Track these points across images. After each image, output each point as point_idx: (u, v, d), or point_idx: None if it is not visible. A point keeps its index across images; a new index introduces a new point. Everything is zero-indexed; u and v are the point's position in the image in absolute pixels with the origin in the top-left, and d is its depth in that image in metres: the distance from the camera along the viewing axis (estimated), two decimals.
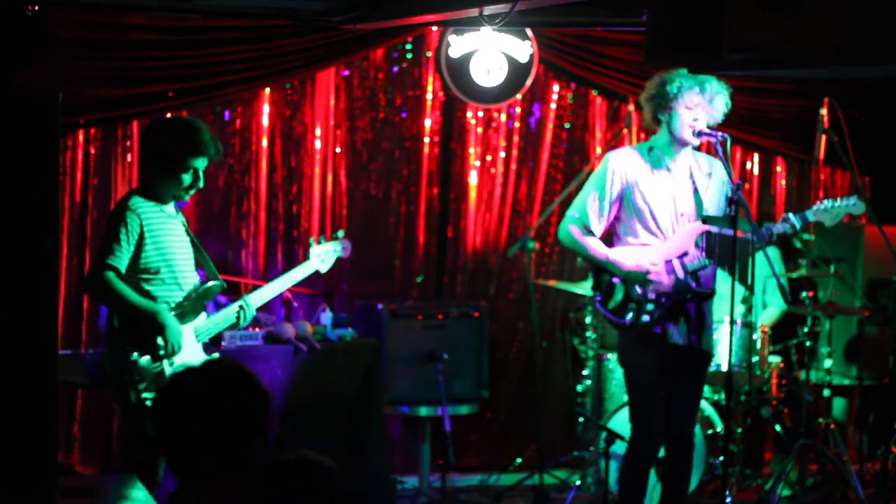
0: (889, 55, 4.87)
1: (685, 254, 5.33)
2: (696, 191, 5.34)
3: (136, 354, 4.85)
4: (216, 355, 5.18)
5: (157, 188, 5.02)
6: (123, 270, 4.86)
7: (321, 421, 6.32)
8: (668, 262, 5.32)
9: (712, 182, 5.39)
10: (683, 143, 5.28)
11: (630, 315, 5.34)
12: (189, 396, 2.79)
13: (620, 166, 5.33)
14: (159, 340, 4.87)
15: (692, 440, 5.45)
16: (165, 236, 5.00)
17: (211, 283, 5.13)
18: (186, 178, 4.98)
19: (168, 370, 4.90)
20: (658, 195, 5.31)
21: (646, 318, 5.30)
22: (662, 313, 5.30)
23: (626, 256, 5.33)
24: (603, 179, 5.34)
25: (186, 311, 5.03)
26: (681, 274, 5.31)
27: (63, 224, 6.53)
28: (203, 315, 5.11)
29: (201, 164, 4.99)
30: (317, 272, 5.52)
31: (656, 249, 5.33)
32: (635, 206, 5.31)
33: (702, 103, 5.19)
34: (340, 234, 5.68)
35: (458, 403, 6.92)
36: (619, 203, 5.35)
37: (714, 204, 5.35)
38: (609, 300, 5.41)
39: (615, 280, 5.38)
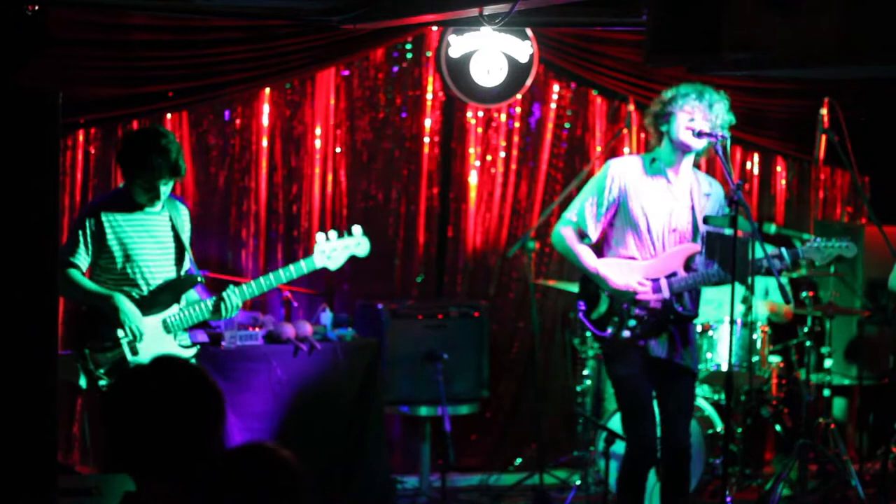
0: (889, 55, 4.87)
1: (673, 274, 5.32)
2: (693, 209, 5.33)
3: (90, 345, 5.06)
4: (180, 352, 5.15)
5: (130, 191, 5.13)
6: (83, 267, 5.10)
7: (321, 421, 6.32)
8: (655, 281, 5.30)
9: (709, 203, 5.37)
10: (684, 149, 5.24)
11: (611, 328, 5.34)
12: (132, 396, 2.75)
13: (620, 173, 5.31)
14: (119, 330, 5.02)
15: (688, 448, 5.43)
16: (132, 236, 5.09)
17: (184, 276, 5.16)
18: (147, 191, 5.07)
19: (130, 358, 5.01)
20: (655, 206, 5.28)
21: (626, 333, 5.30)
22: (643, 331, 5.31)
23: (615, 272, 5.30)
24: (602, 184, 5.32)
25: (152, 302, 5.10)
26: (667, 294, 5.29)
27: (63, 224, 6.53)
28: (175, 306, 5.14)
29: (161, 183, 5.04)
30: (325, 268, 5.42)
31: (646, 266, 5.32)
32: (630, 214, 5.29)
33: (700, 108, 5.19)
34: (357, 230, 5.47)
35: (458, 403, 6.92)
36: (615, 209, 5.33)
37: None
38: (593, 310, 5.41)
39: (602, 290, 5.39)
